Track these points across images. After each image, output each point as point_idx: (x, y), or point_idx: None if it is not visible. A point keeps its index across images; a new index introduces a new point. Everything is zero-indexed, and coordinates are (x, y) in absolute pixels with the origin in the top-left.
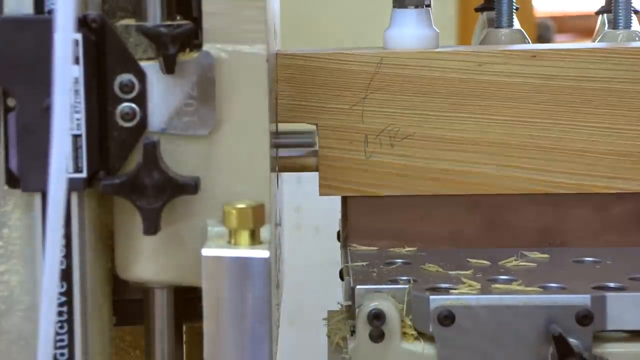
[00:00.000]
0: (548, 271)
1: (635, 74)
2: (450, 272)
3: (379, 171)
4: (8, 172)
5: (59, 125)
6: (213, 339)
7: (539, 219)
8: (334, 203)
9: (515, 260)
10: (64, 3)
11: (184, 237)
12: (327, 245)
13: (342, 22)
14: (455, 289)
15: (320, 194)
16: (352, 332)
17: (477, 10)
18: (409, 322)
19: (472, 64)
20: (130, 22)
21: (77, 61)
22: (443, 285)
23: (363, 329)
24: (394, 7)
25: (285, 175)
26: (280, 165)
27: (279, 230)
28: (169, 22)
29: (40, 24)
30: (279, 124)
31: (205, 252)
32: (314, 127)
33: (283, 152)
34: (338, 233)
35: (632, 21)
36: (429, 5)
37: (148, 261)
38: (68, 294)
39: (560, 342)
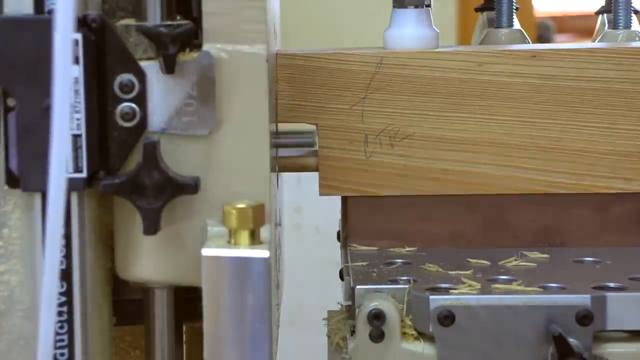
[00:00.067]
0: (548, 271)
1: (635, 74)
2: (450, 272)
3: (379, 171)
4: (8, 172)
5: (59, 125)
6: (213, 339)
7: (539, 219)
8: (334, 203)
9: (515, 260)
10: (64, 3)
11: (184, 237)
12: (327, 245)
13: (342, 22)
14: (455, 289)
15: (320, 194)
16: (352, 332)
17: (477, 10)
18: (409, 322)
19: (472, 64)
20: (130, 22)
21: (77, 61)
22: (443, 285)
23: (363, 329)
24: (393, 7)
25: (285, 175)
26: (280, 165)
27: (279, 230)
28: (169, 22)
29: (40, 23)
30: (279, 124)
31: (205, 252)
32: (314, 127)
33: (283, 152)
34: (338, 233)
35: (632, 21)
36: (429, 5)
37: (148, 261)
38: (68, 294)
39: (560, 342)
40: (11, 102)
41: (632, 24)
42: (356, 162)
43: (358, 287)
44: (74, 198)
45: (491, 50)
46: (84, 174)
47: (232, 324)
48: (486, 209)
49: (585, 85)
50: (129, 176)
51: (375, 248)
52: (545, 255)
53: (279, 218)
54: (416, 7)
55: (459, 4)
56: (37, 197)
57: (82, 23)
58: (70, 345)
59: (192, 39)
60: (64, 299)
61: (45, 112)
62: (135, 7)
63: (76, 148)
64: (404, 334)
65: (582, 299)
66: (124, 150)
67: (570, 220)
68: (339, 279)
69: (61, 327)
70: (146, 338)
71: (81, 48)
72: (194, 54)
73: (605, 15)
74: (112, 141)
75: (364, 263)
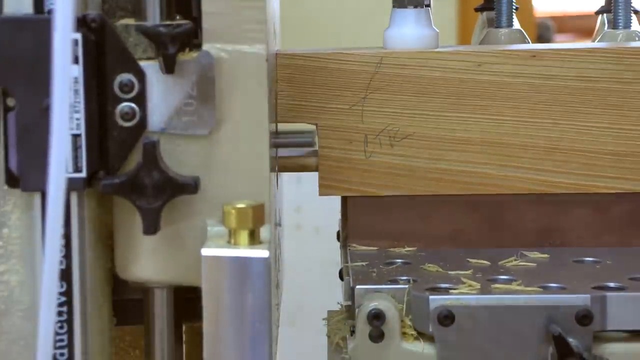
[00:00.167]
0: (548, 271)
1: (635, 74)
2: (450, 272)
3: (379, 171)
4: (8, 171)
5: (59, 125)
6: (213, 339)
7: (539, 219)
8: (334, 203)
9: (515, 260)
10: (64, 3)
11: (183, 237)
12: (327, 245)
13: (342, 22)
14: (455, 289)
15: (320, 194)
16: (352, 332)
17: (477, 10)
18: (409, 322)
19: (472, 64)
20: (130, 21)
21: (76, 61)
22: (443, 285)
23: (363, 329)
24: (393, 7)
25: (285, 175)
26: (280, 165)
27: (279, 230)
28: (168, 22)
29: (39, 23)
30: (279, 124)
31: (205, 252)
32: (314, 127)
33: (283, 152)
34: (338, 233)
35: (631, 21)
36: (428, 5)
37: (148, 261)
38: (68, 294)
39: (560, 342)
40: (11, 102)
41: (631, 24)
42: (356, 162)
43: (358, 287)
44: (74, 198)
45: (491, 50)
46: (83, 174)
47: (231, 324)
48: (486, 209)
49: (585, 85)
50: (129, 176)
51: (375, 248)
52: (545, 255)
53: (279, 218)
54: (416, 7)
55: (459, 4)
56: (37, 197)
57: (82, 23)
58: (70, 345)
59: (192, 38)
60: (63, 299)
61: (44, 112)
62: (135, 6)
63: (76, 148)
64: (403, 334)
65: (582, 299)
66: (124, 150)
67: (570, 220)
68: (338, 279)
69: (61, 327)
70: (146, 338)
71: (81, 48)
72: (194, 54)
73: (605, 15)
74: (111, 141)
75: (364, 263)
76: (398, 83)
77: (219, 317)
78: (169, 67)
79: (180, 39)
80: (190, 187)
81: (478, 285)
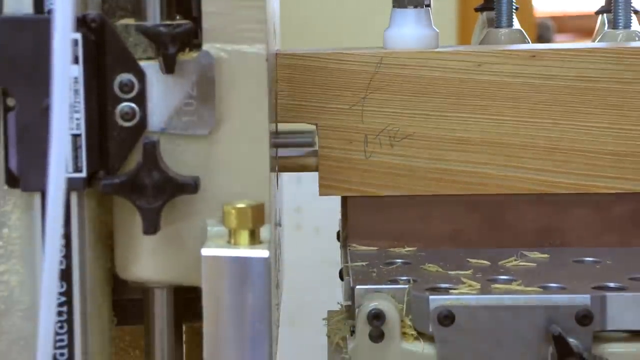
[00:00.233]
0: (548, 271)
1: (635, 74)
2: (450, 272)
3: (379, 171)
4: (8, 171)
5: (59, 125)
6: (213, 339)
7: (539, 219)
8: (334, 203)
9: (515, 260)
10: (63, 3)
11: (183, 237)
12: (327, 245)
13: (342, 22)
14: (455, 289)
15: (320, 194)
16: (352, 332)
17: (477, 10)
18: (409, 322)
19: (472, 64)
20: (130, 21)
21: (76, 61)
22: (443, 285)
23: (363, 329)
24: (393, 7)
25: (285, 175)
26: (280, 165)
27: (279, 230)
28: (168, 22)
29: (39, 23)
30: (279, 124)
31: (205, 251)
32: (314, 127)
33: (283, 152)
34: (338, 233)
35: (631, 21)
36: (428, 5)
37: (148, 261)
38: (68, 294)
39: (560, 342)
40: (11, 102)
41: (631, 24)
42: (356, 162)
43: (358, 287)
44: (74, 198)
45: (491, 50)
46: (83, 174)
47: (231, 324)
48: (486, 209)
49: (585, 85)
50: (129, 176)
51: (375, 248)
52: (545, 255)
53: (279, 218)
54: (416, 7)
55: (459, 4)
56: (37, 197)
57: (82, 23)
58: (70, 345)
59: (192, 38)
60: (63, 299)
61: (44, 112)
62: (135, 6)
63: (76, 148)
64: (403, 334)
65: (582, 299)
66: (124, 150)
67: (570, 220)
68: (338, 279)
69: (61, 327)
70: (146, 338)
71: (81, 48)
72: (194, 54)
73: (605, 15)
74: (111, 141)
75: (364, 263)
76: (398, 83)
77: (219, 317)
78: (169, 67)
79: (180, 39)
80: (190, 187)
81: (478, 285)
